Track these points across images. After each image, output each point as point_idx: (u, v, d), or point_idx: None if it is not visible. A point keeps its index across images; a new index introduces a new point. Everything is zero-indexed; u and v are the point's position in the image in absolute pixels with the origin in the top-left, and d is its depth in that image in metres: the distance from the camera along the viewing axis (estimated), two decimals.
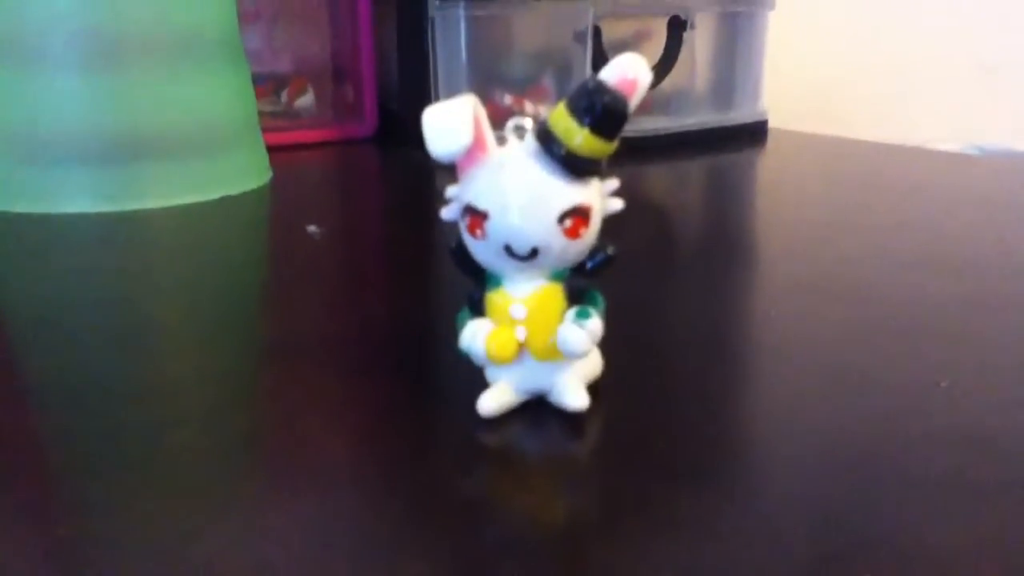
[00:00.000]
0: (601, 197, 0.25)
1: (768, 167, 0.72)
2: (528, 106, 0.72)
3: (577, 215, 0.24)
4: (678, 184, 0.65)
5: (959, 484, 0.22)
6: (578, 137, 0.23)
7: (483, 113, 0.24)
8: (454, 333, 0.26)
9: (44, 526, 0.21)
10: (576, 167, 0.24)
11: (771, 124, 0.84)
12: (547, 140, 0.24)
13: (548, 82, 0.74)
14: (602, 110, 0.23)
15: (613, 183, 0.25)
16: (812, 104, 1.00)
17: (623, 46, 0.75)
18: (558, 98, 0.74)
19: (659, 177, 0.65)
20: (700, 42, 0.79)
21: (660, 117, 0.77)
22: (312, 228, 0.49)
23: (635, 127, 0.73)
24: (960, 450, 0.24)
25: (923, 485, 0.22)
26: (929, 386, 0.27)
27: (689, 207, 0.59)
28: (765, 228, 0.51)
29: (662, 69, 0.75)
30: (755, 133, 0.82)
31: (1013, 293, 0.36)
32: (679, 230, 0.51)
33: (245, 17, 0.63)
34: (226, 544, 0.20)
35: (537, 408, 0.26)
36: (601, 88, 0.23)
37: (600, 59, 0.72)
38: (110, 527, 0.21)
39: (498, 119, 0.25)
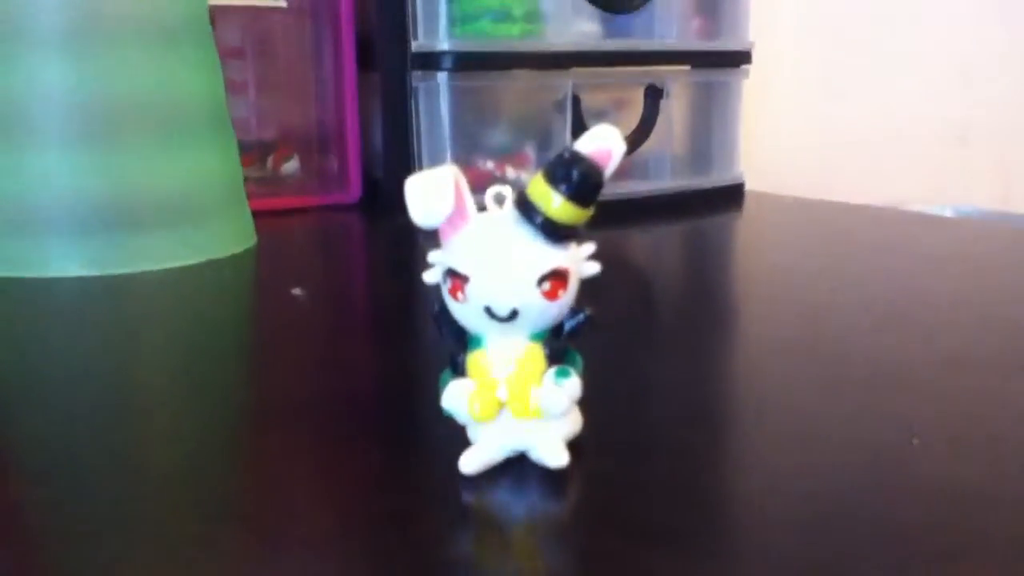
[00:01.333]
0: (578, 261, 0.26)
1: (745, 229, 0.74)
2: (510, 172, 0.74)
3: (555, 278, 0.25)
4: (656, 247, 0.67)
5: (937, 537, 0.22)
6: (555, 205, 0.24)
7: (463, 181, 0.25)
8: (436, 394, 0.27)
9: None
10: (554, 233, 0.25)
11: (748, 187, 0.85)
12: (526, 207, 0.25)
13: (529, 149, 0.76)
14: (578, 179, 0.24)
15: (589, 247, 0.26)
16: (788, 167, 1.02)
17: (602, 114, 0.78)
18: (539, 164, 0.76)
19: (638, 240, 0.67)
20: (677, 109, 0.81)
21: (639, 181, 0.79)
22: (297, 291, 0.49)
23: (613, 191, 0.74)
24: (936, 504, 0.24)
25: (902, 539, 0.22)
26: (904, 443, 0.28)
27: (667, 269, 0.60)
28: (742, 290, 0.52)
29: (640, 136, 0.77)
30: (732, 196, 0.84)
31: (987, 354, 0.37)
32: (657, 292, 0.52)
33: (231, 86, 0.64)
34: None
35: (518, 465, 0.27)
36: (577, 158, 0.24)
37: (579, 127, 0.74)
38: None
39: (480, 185, 0.26)
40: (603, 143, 0.25)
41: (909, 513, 0.24)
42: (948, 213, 0.98)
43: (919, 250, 0.60)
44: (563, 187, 0.24)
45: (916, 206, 0.89)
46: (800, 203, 0.81)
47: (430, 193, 0.24)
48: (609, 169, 0.25)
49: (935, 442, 0.28)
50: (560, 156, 0.25)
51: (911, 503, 0.24)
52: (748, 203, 0.82)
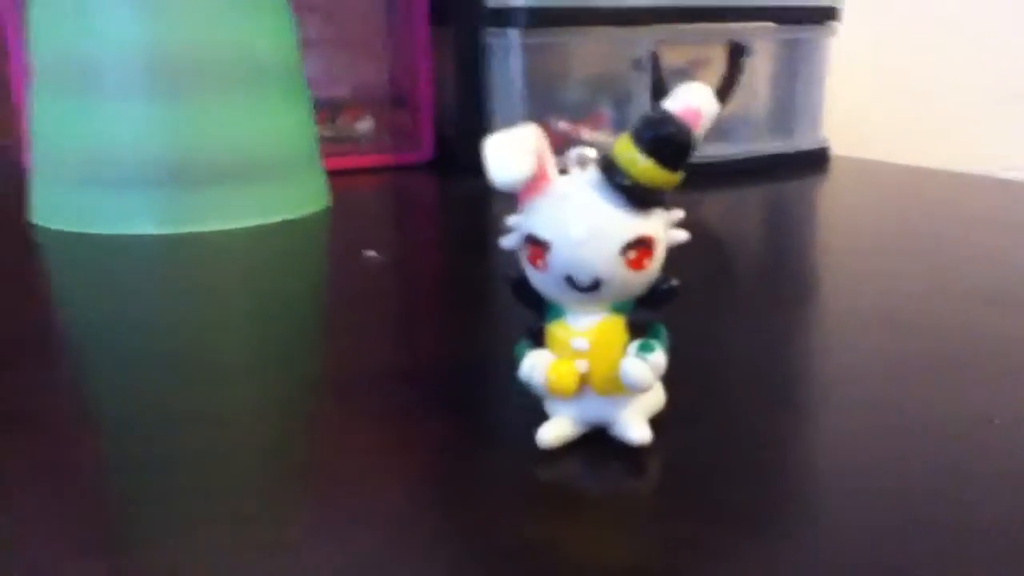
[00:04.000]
0: (665, 228, 0.24)
1: (829, 195, 0.71)
2: (585, 133, 0.72)
3: (641, 246, 0.23)
4: (737, 212, 0.65)
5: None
6: (642, 167, 0.23)
7: (545, 143, 0.24)
8: (513, 365, 0.26)
9: (99, 556, 0.21)
10: (640, 198, 0.23)
11: (833, 152, 0.82)
12: (610, 170, 0.23)
13: (605, 109, 0.74)
14: (667, 141, 0.23)
15: (677, 214, 0.25)
16: (874, 131, 0.98)
17: (681, 73, 0.75)
18: (616, 125, 0.75)
19: (718, 205, 0.64)
20: (759, 68, 0.78)
21: (719, 144, 0.76)
22: (369, 253, 0.49)
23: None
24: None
25: (986, 529, 0.21)
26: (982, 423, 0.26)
27: (749, 236, 0.58)
28: (827, 259, 0.50)
29: (721, 96, 0.74)
30: (816, 160, 0.80)
31: None
32: (739, 260, 0.51)
33: (305, 43, 0.64)
34: None
35: (597, 442, 0.25)
36: (666, 118, 0.23)
37: (659, 86, 0.71)
38: (163, 558, 0.20)
39: (555, 146, 0.25)
40: (693, 101, 0.23)
41: (996, 501, 0.22)
42: None
43: (1006, 218, 0.57)
44: (651, 149, 0.23)
45: (1012, 173, 0.84)
46: (886, 168, 0.77)
47: (510, 153, 0.23)
48: (700, 130, 0.23)
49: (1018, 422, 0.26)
50: (648, 116, 0.23)
51: (997, 489, 0.23)
52: (833, 168, 0.78)
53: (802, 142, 0.80)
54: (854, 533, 0.21)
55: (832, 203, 0.68)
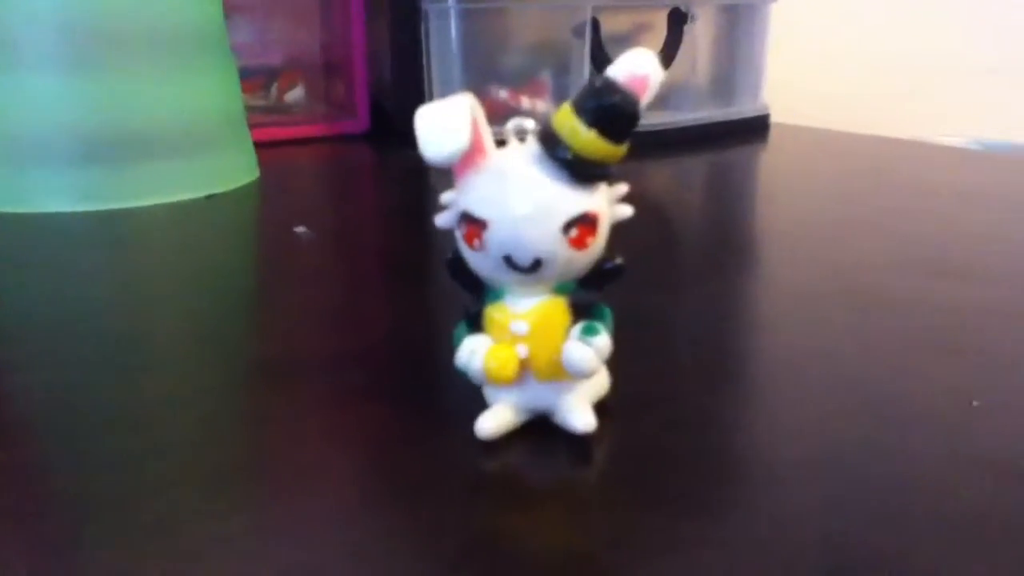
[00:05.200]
0: (609, 203, 0.23)
1: (771, 163, 0.70)
2: (525, 101, 0.70)
3: (584, 224, 0.22)
4: (679, 181, 0.64)
5: (1000, 517, 0.20)
6: (584, 139, 0.21)
7: (481, 113, 0.22)
8: (452, 348, 0.24)
9: (18, 564, 0.19)
10: (583, 172, 0.22)
11: (773, 119, 0.82)
12: (551, 143, 0.22)
13: (545, 77, 0.72)
14: (611, 110, 0.21)
15: (622, 188, 0.23)
16: (813, 98, 0.98)
17: (622, 39, 0.74)
18: (556, 93, 0.73)
19: (659, 174, 0.64)
20: (701, 35, 0.77)
21: (660, 112, 0.75)
22: (301, 229, 0.47)
23: None
24: (1001, 478, 0.22)
25: (959, 518, 0.20)
26: (962, 406, 0.26)
27: (692, 206, 0.57)
28: (772, 229, 0.49)
29: (662, 63, 0.73)
30: (757, 128, 0.80)
31: None
32: (683, 232, 0.50)
33: (234, 9, 0.61)
34: None
35: (540, 429, 0.24)
36: (610, 87, 0.21)
37: (599, 53, 0.70)
38: (85, 567, 0.19)
39: (494, 115, 0.23)
40: (638, 69, 0.22)
41: (970, 488, 0.21)
42: (975, 147, 0.94)
43: (950, 185, 0.57)
44: (594, 120, 0.21)
45: (943, 139, 0.85)
46: (826, 135, 0.77)
47: (444, 126, 0.21)
48: (645, 99, 0.22)
49: (996, 405, 0.26)
50: (591, 84, 0.22)
51: (973, 476, 0.22)
52: (773, 135, 0.78)
53: (743, 109, 0.80)
54: (814, 523, 0.20)
55: (774, 171, 0.67)
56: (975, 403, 0.26)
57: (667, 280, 0.39)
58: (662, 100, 0.76)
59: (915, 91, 1.09)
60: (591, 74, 0.70)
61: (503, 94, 0.70)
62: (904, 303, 0.35)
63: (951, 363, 0.29)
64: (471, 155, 0.22)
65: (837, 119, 0.85)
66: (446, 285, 0.25)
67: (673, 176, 0.65)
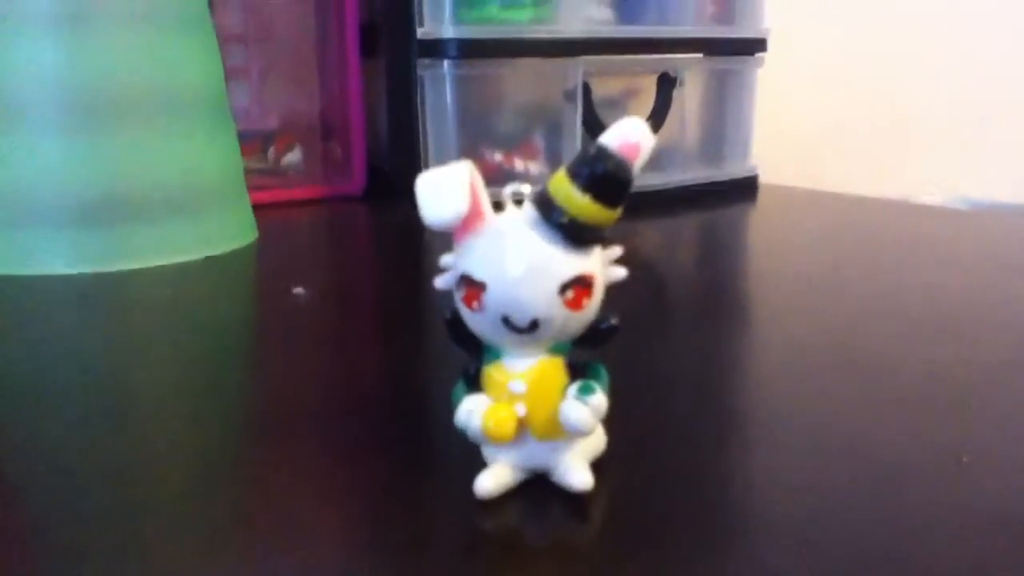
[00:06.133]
0: (603, 265, 0.24)
1: (760, 223, 0.71)
2: (519, 163, 0.72)
3: (579, 285, 0.23)
4: (670, 241, 0.65)
5: (993, 569, 0.20)
6: (580, 204, 0.22)
7: (479, 179, 0.23)
8: (449, 408, 0.25)
9: None
10: (578, 235, 0.23)
11: (761, 179, 0.83)
12: (547, 208, 0.23)
13: (538, 139, 0.74)
14: (605, 176, 0.22)
15: (616, 251, 0.24)
16: (800, 159, 1.00)
17: (613, 103, 0.75)
18: (548, 155, 0.74)
19: (650, 234, 0.65)
20: (689, 98, 0.79)
21: (650, 173, 0.77)
22: (299, 290, 0.47)
23: None
24: (992, 535, 0.22)
25: (950, 571, 0.20)
26: (949, 462, 0.26)
27: (683, 265, 0.58)
28: (762, 287, 0.50)
29: (652, 126, 0.74)
30: (746, 188, 0.81)
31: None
32: (673, 290, 0.50)
33: (232, 73, 0.62)
34: None
35: (537, 487, 0.25)
36: (603, 154, 0.22)
37: (590, 116, 0.72)
38: None
39: (488, 177, 0.24)
40: (631, 136, 0.23)
41: (963, 545, 0.22)
42: (960, 205, 0.96)
43: (936, 244, 0.58)
44: (589, 185, 0.22)
45: (928, 198, 0.86)
46: (814, 196, 0.79)
47: (444, 192, 0.22)
48: (637, 165, 0.23)
49: (985, 461, 0.26)
50: (584, 151, 0.23)
51: (964, 533, 0.22)
52: (762, 196, 0.79)
53: (732, 170, 0.81)
54: (805, 574, 0.20)
55: (764, 231, 0.68)
56: (964, 459, 0.26)
57: (659, 337, 0.40)
58: (653, 162, 0.77)
59: (898, 148, 1.11)
60: (584, 139, 0.71)
61: (497, 156, 0.72)
62: (893, 359, 0.35)
63: (940, 419, 0.29)
64: (470, 219, 0.23)
65: (823, 178, 0.87)
66: (442, 343, 0.25)
67: (664, 236, 0.66)
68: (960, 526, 0.23)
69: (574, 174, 0.22)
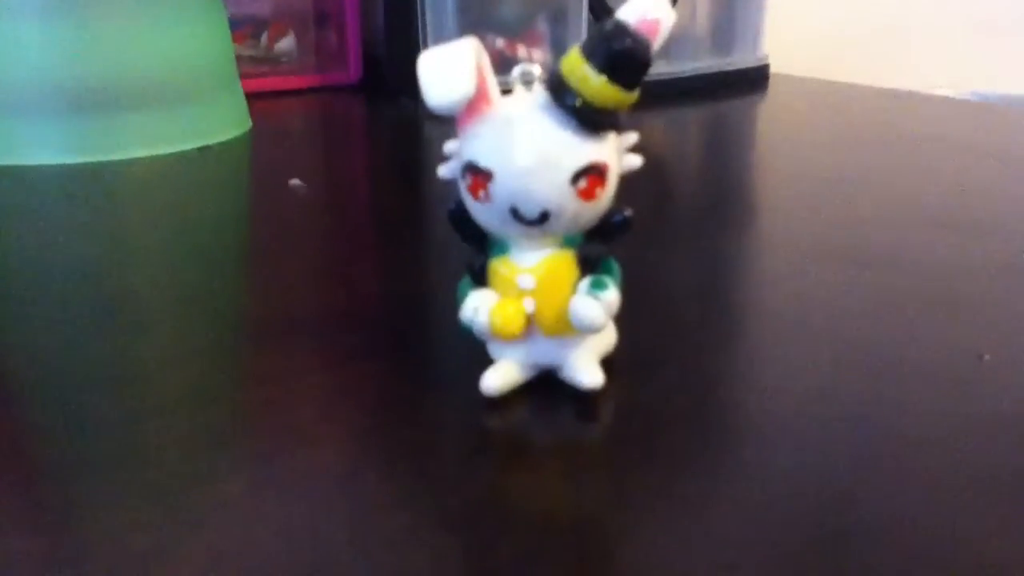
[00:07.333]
0: (618, 153, 0.22)
1: (771, 115, 0.69)
2: (522, 51, 0.69)
3: (593, 174, 0.21)
4: (678, 133, 0.63)
5: (1011, 473, 0.20)
6: (595, 86, 0.20)
7: (486, 59, 0.21)
8: (454, 305, 0.24)
9: (36, 533, 0.18)
10: (592, 120, 0.21)
11: (772, 69, 0.80)
12: (559, 90, 0.21)
13: (542, 26, 0.71)
14: (623, 55, 0.20)
15: (631, 137, 0.23)
16: (812, 49, 0.96)
17: None
18: (553, 42, 0.71)
19: (658, 126, 0.62)
20: None
21: (657, 62, 0.74)
22: (295, 181, 0.46)
23: None
24: (1012, 433, 0.21)
25: (969, 475, 0.20)
26: (970, 361, 0.25)
27: (692, 159, 0.56)
28: (773, 182, 0.49)
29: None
30: (756, 79, 0.79)
31: None
32: (684, 185, 0.49)
33: None
34: (211, 550, 0.17)
35: (545, 386, 0.24)
36: (621, 31, 0.20)
37: (597, 1, 0.68)
38: (84, 535, 0.18)
39: (492, 65, 0.22)
40: (649, 12, 0.21)
41: (981, 447, 0.21)
42: (971, 98, 0.93)
43: (950, 137, 0.56)
44: (604, 65, 0.20)
45: (941, 91, 0.84)
46: (826, 86, 0.76)
47: (448, 72, 0.21)
48: (657, 43, 0.21)
49: (1007, 359, 0.25)
50: (600, 28, 0.21)
51: (983, 434, 0.22)
52: (772, 86, 0.77)
53: (742, 60, 0.79)
54: (823, 481, 0.20)
55: (774, 123, 0.66)
56: (986, 357, 0.25)
57: (670, 234, 0.39)
58: (660, 50, 0.75)
59: (911, 41, 1.07)
60: (590, 24, 0.68)
61: (499, 43, 0.69)
62: (909, 258, 0.34)
63: (959, 318, 0.28)
64: (476, 102, 0.21)
65: (837, 69, 0.84)
66: (443, 239, 0.24)
67: (672, 128, 0.64)
68: (979, 428, 0.22)
69: (589, 53, 0.21)
